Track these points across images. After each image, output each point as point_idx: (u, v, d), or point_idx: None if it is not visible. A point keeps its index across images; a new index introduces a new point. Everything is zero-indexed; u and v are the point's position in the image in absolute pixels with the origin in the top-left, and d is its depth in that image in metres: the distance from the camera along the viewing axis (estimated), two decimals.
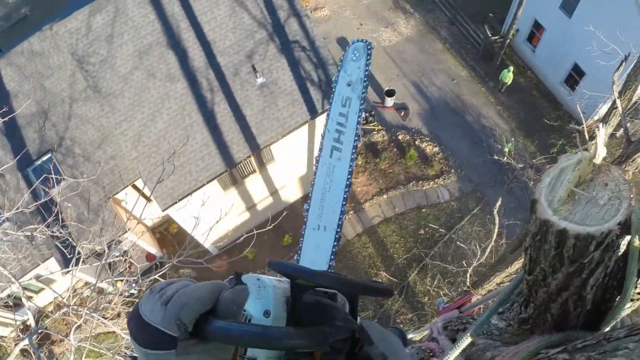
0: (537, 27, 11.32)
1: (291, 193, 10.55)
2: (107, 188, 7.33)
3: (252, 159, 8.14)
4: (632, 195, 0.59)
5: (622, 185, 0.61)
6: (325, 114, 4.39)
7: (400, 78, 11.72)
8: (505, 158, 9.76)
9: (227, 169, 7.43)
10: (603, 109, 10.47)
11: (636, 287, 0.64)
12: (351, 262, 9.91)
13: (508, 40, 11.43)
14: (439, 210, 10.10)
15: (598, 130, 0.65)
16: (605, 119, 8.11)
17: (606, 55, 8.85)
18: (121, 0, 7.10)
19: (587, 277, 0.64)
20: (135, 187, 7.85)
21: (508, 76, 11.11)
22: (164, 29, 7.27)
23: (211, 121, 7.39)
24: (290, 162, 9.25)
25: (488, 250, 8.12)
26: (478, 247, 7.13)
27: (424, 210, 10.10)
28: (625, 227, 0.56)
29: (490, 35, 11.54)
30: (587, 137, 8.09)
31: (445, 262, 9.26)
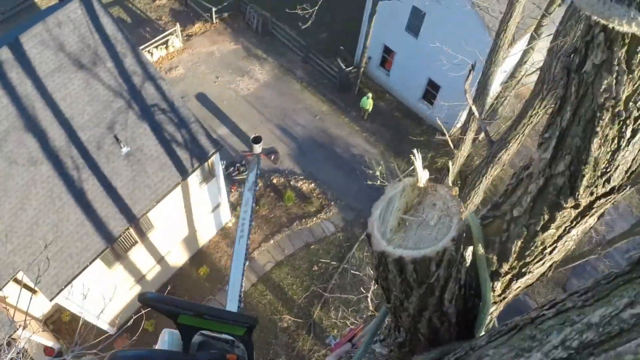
0: (388, 52, 26.64)
1: (178, 257, 22.07)
2: None
3: (131, 230, 18.18)
4: (461, 210, 1.61)
5: (450, 202, 1.62)
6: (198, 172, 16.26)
7: (264, 123, 25.95)
8: (379, 181, 25.25)
9: (108, 245, 16.49)
10: (463, 116, 24.87)
11: (494, 291, 1.89)
12: (252, 312, 21.20)
13: (362, 69, 26.56)
14: (327, 243, 23.17)
15: (414, 156, 1.69)
16: (465, 126, 25.07)
17: (456, 66, 23.29)
18: None
19: (440, 294, 1.67)
20: (16, 281, 15.49)
21: (368, 103, 25.75)
22: (19, 112, 15.91)
23: (83, 200, 16.36)
24: (170, 227, 20.14)
25: None
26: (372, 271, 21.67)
27: (312, 246, 23.04)
28: (465, 239, 1.62)
29: (344, 67, 26.58)
30: (451, 146, 24.50)
31: (345, 292, 21.26)
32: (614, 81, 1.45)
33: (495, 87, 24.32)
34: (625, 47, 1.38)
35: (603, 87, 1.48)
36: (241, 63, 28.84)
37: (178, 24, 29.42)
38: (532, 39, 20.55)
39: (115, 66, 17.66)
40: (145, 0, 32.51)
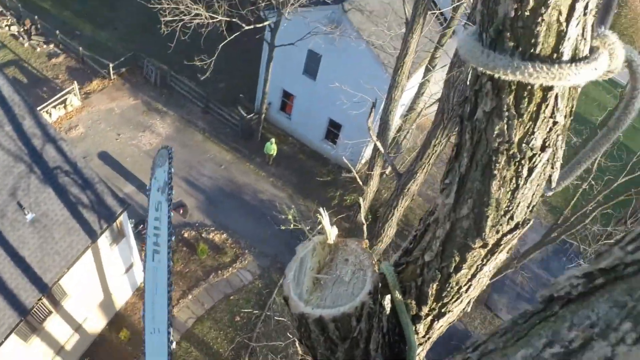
0: (287, 96, 27.45)
1: (96, 323, 21.26)
2: None
3: (44, 300, 17.29)
4: (374, 262, 1.82)
5: (362, 255, 1.87)
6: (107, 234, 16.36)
7: None
8: (292, 225, 25.86)
9: (21, 318, 15.73)
10: (367, 152, 26.04)
11: (417, 333, 1.98)
12: None
13: (263, 115, 26.96)
14: (247, 292, 23.08)
15: (320, 215, 1.97)
16: (371, 162, 26.18)
17: (356, 104, 25.14)
18: None
19: (365, 345, 1.79)
20: None
21: (272, 148, 26.11)
22: None
23: None
24: (84, 292, 19.45)
25: None
26: None
27: (232, 297, 22.84)
28: (382, 287, 1.77)
29: (245, 114, 26.95)
30: (360, 182, 25.38)
31: (271, 339, 21.25)
32: (506, 126, 1.53)
33: (395, 121, 25.49)
34: (513, 94, 1.47)
35: (495, 132, 1.56)
36: (141, 118, 28.68)
37: (75, 82, 28.97)
38: (428, 71, 21.67)
39: (13, 129, 17.36)
40: (41, 59, 31.71)
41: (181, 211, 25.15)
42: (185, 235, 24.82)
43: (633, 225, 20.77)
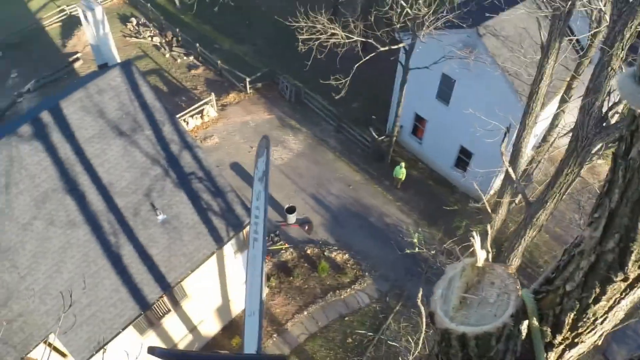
0: (419, 120, 27.67)
1: (211, 326, 22.32)
2: (19, 347, 15.04)
3: (165, 298, 18.46)
4: (518, 287, 1.92)
5: (508, 280, 1.98)
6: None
7: (298, 193, 26.85)
8: (417, 249, 25.35)
9: (141, 312, 16.79)
10: (496, 182, 25.88)
11: (548, 359, 2.06)
12: None
13: (394, 138, 27.35)
14: (362, 315, 23.23)
15: (473, 238, 2.07)
16: (502, 189, 25.49)
17: (488, 132, 24.39)
18: (14, 148, 16.19)
19: None
20: (47, 344, 15.71)
21: (401, 172, 26.45)
22: (59, 174, 16.67)
23: (118, 265, 16.83)
24: (204, 295, 20.52)
25: (420, 341, 21.07)
26: (411, 340, 16.63)
27: (347, 318, 23.11)
28: (521, 313, 1.85)
29: (376, 136, 27.51)
30: (489, 210, 24.68)
31: None
32: None
33: (528, 152, 24.87)
34: None
35: None
36: (275, 133, 29.93)
37: (213, 94, 30.98)
38: (563, 101, 21.00)
39: (153, 134, 18.54)
40: (181, 70, 34.37)
41: (306, 227, 25.91)
42: (308, 251, 25.47)
43: None
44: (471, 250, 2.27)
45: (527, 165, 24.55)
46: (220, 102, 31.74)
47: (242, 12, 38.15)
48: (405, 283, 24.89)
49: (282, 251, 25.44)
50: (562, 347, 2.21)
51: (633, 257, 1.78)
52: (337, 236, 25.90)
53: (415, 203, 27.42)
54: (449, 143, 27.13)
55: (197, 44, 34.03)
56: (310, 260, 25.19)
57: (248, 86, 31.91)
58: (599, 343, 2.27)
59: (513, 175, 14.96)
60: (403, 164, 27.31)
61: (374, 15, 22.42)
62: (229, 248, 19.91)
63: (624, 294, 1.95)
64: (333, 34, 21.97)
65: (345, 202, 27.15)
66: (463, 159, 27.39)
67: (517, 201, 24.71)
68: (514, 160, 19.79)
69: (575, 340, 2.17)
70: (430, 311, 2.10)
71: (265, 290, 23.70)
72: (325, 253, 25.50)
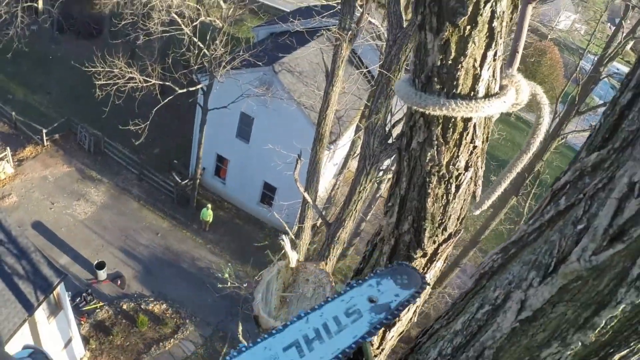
0: (221, 160, 28.29)
1: None
2: None
3: None
4: (331, 279, 2.47)
5: (320, 275, 2.49)
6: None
7: (106, 247, 25.93)
8: (229, 284, 26.35)
9: None
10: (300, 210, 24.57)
11: (372, 345, 2.28)
12: None
13: (197, 181, 27.50)
14: None
15: (283, 241, 2.55)
16: (302, 214, 26.94)
17: (289, 165, 27.02)
18: None
19: None
20: None
21: (208, 214, 26.70)
22: None
23: None
24: None
25: None
26: None
27: None
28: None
29: (179, 180, 27.61)
30: (293, 238, 25.45)
31: None
32: (435, 152, 1.82)
33: (329, 179, 26.43)
34: (440, 126, 1.77)
35: (428, 158, 1.85)
36: (76, 186, 28.84)
37: (8, 148, 28.92)
38: (358, 129, 22.68)
39: None
40: None
41: (119, 282, 25.24)
42: (124, 306, 24.78)
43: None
44: (282, 253, 2.56)
45: (330, 192, 25.92)
46: (17, 157, 29.76)
47: (37, 58, 36.29)
48: (227, 324, 25.17)
49: (97, 310, 24.55)
50: (381, 329, 2.27)
51: (427, 234, 2.06)
52: (151, 287, 25.55)
53: (226, 243, 27.97)
54: (253, 180, 28.11)
55: None
56: (128, 315, 24.59)
57: (45, 138, 30.29)
58: (414, 320, 2.46)
59: (308, 199, 15.94)
60: (209, 206, 27.74)
61: (172, 57, 22.79)
62: (41, 313, 18.98)
63: (425, 268, 2.21)
64: (131, 78, 21.97)
65: (155, 251, 26.94)
66: (268, 194, 28.47)
67: (318, 224, 26.06)
68: (311, 184, 21.04)
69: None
70: (255, 315, 2.29)
71: (87, 355, 22.90)
72: (142, 306, 24.98)
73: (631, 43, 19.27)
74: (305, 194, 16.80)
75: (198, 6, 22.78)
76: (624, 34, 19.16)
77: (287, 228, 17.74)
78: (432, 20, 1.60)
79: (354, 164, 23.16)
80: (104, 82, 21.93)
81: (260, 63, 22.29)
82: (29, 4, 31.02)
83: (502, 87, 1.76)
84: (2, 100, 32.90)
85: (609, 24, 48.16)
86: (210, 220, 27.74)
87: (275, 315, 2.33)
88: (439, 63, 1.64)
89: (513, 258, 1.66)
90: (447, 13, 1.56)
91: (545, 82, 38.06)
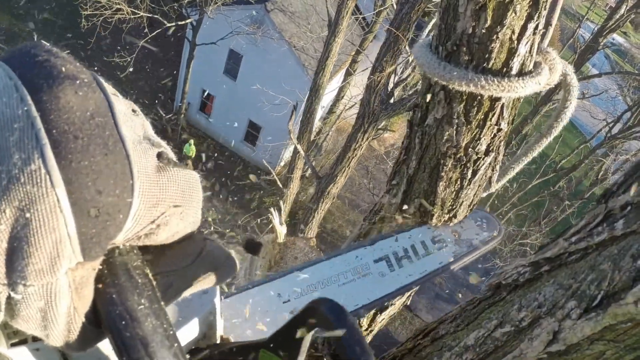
0: (207, 97, 27.97)
1: None
2: None
3: None
4: (322, 254, 3.03)
5: (310, 253, 2.81)
6: None
7: None
8: (212, 227, 26.28)
9: None
10: (287, 154, 27.12)
11: (361, 326, 2.28)
12: None
13: (182, 115, 27.33)
14: None
15: (272, 215, 3.09)
16: (291, 164, 26.88)
17: (276, 106, 26.98)
18: None
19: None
20: None
21: (190, 149, 26.41)
22: None
23: None
24: None
25: None
26: None
27: None
28: None
29: (164, 114, 26.94)
30: (280, 184, 25.95)
31: None
32: (455, 132, 1.66)
33: (316, 124, 26.18)
34: (464, 103, 1.60)
35: (445, 137, 1.69)
36: None
37: None
38: (348, 74, 22.32)
39: None
40: None
41: None
42: None
43: (546, 224, 22.13)
44: (270, 227, 2.38)
45: (315, 136, 25.70)
46: None
47: None
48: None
49: None
50: (372, 311, 2.29)
51: (434, 221, 1.95)
52: None
53: (208, 180, 27.77)
54: (238, 118, 27.70)
55: None
56: None
57: None
58: (407, 302, 2.42)
59: (301, 151, 15.76)
60: (192, 141, 27.37)
61: None
62: None
63: None
64: (118, 9, 21.30)
65: None
66: (252, 132, 28.32)
67: (307, 175, 25.94)
68: (302, 135, 20.81)
69: (385, 303, 2.23)
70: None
71: None
72: None
73: (632, 17, 18.97)
74: (299, 146, 16.68)
75: None
76: (628, 7, 18.78)
77: (274, 175, 17.63)
78: None
79: (347, 114, 22.86)
80: (91, 13, 21.20)
81: (252, 0, 21.67)
82: None
83: (535, 65, 1.56)
84: None
85: None
86: (193, 155, 27.46)
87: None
88: (470, 31, 1.43)
89: (545, 276, 1.45)
90: None
91: None
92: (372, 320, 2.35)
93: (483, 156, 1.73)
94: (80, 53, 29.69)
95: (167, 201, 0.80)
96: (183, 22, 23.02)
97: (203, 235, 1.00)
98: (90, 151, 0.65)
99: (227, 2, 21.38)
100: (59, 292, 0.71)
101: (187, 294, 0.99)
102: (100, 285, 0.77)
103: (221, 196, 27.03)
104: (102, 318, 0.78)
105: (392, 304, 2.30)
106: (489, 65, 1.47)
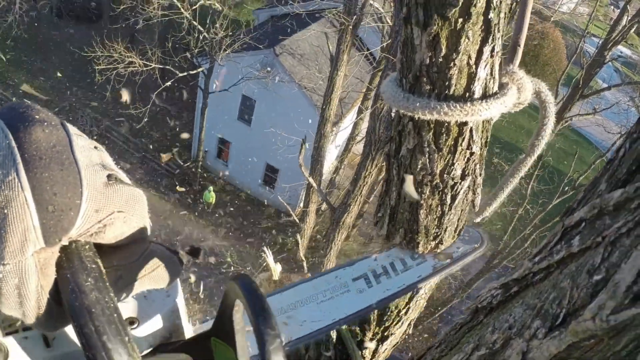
0: (223, 143, 28.31)
1: None
2: None
3: None
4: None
5: None
6: None
7: None
8: (232, 267, 26.22)
9: None
10: (305, 194, 25.14)
11: (364, 358, 2.21)
12: None
13: (200, 163, 27.63)
14: None
15: (265, 253, 2.98)
16: (306, 199, 26.77)
17: (291, 147, 26.53)
18: None
19: None
20: None
21: (210, 196, 26.63)
22: None
23: None
24: None
25: None
26: None
27: None
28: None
29: (182, 163, 27.63)
30: (297, 220, 25.70)
31: None
32: (427, 160, 1.67)
33: (331, 160, 26.23)
34: (432, 131, 1.61)
35: (419, 166, 1.70)
36: None
37: None
38: (360, 111, 22.44)
39: None
40: None
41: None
42: None
43: None
44: (265, 265, 2.40)
45: (332, 175, 25.74)
46: None
47: (36, 44, 35.76)
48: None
49: None
50: (374, 342, 2.28)
51: (420, 248, 1.95)
52: None
53: (229, 225, 27.84)
54: (255, 162, 27.89)
55: None
56: None
57: None
58: (409, 332, 2.40)
59: (313, 184, 15.81)
60: (211, 188, 27.57)
61: (172, 41, 22.51)
62: None
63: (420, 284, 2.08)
64: (131, 63, 21.72)
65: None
66: (270, 175, 28.39)
67: (322, 208, 25.96)
68: (314, 168, 20.85)
69: (385, 333, 2.26)
70: None
71: None
72: None
73: (635, 27, 18.90)
74: (310, 179, 16.65)
75: None
76: (629, 18, 18.73)
77: (290, 211, 17.51)
78: (418, 12, 1.40)
79: (357, 148, 22.93)
80: (104, 67, 21.62)
81: (261, 46, 22.06)
82: None
83: (501, 86, 1.58)
84: (3, 86, 32.44)
85: (612, 7, 47.57)
86: (213, 202, 27.65)
87: None
88: (427, 61, 1.46)
89: (515, 297, 1.48)
90: (436, 4, 1.35)
91: (548, 65, 37.65)
92: (375, 351, 2.35)
93: (460, 181, 1.73)
94: (96, 107, 30.24)
95: (111, 207, 1.06)
96: (195, 71, 23.43)
97: (149, 240, 1.25)
98: (50, 167, 0.94)
99: (236, 49, 21.62)
100: (29, 270, 0.98)
101: (139, 288, 1.22)
102: (60, 269, 1.02)
103: (243, 240, 27.12)
104: (62, 294, 1.02)
105: (392, 334, 2.30)
106: (451, 92, 1.48)
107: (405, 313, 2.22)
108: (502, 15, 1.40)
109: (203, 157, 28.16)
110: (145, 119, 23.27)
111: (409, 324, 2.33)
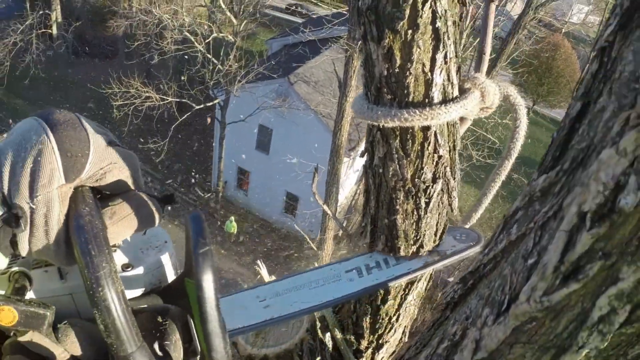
0: (243, 173, 28.44)
1: None
2: None
3: None
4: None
5: None
6: None
7: None
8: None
9: None
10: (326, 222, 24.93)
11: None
12: None
13: (220, 194, 27.86)
14: None
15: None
16: (323, 225, 26.52)
17: (310, 174, 27.68)
18: None
19: None
20: None
21: (232, 226, 26.66)
22: None
23: None
24: None
25: None
26: None
27: None
28: (324, 327, 2.12)
29: (202, 194, 27.78)
30: (313, 247, 25.63)
31: None
32: (398, 166, 1.73)
33: (350, 186, 26.20)
34: (398, 138, 1.67)
35: (391, 173, 1.75)
36: None
37: None
38: None
39: None
40: None
41: None
42: None
43: None
44: (258, 278, 2.41)
45: (352, 200, 25.69)
46: None
47: (54, 83, 36.45)
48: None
49: None
50: (370, 350, 2.31)
51: (402, 253, 1.99)
52: None
53: (253, 255, 27.88)
54: (275, 191, 27.92)
55: (10, 120, 31.94)
56: None
57: None
58: (405, 339, 2.41)
59: (328, 211, 15.71)
60: (233, 218, 27.63)
61: (187, 74, 22.82)
62: None
63: (406, 289, 2.15)
64: (147, 97, 22.05)
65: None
66: (291, 203, 28.36)
67: (340, 234, 25.93)
68: (330, 195, 20.76)
69: (380, 341, 2.29)
70: (233, 341, 2.26)
71: None
72: None
73: None
74: (325, 207, 16.52)
75: (209, 23, 22.70)
76: None
77: (308, 240, 17.45)
78: (372, 28, 1.50)
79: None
80: (122, 103, 21.98)
81: (275, 75, 22.29)
82: (43, 30, 31.17)
83: (464, 91, 1.65)
84: None
85: None
86: (235, 232, 27.68)
87: (252, 342, 2.29)
88: (385, 72, 1.54)
89: (472, 290, 1.57)
90: (385, 19, 1.44)
91: (562, 77, 37.56)
92: (372, 359, 2.38)
93: (431, 184, 1.79)
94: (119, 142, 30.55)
95: (109, 159, 1.47)
96: (211, 103, 23.74)
97: (136, 190, 1.63)
98: (67, 129, 1.38)
99: (251, 79, 21.86)
100: (54, 200, 1.36)
101: (126, 228, 1.60)
102: (71, 202, 1.41)
103: (267, 269, 27.06)
104: (69, 219, 1.40)
105: (387, 342, 2.32)
106: (410, 99, 1.55)
107: (397, 320, 2.24)
108: (449, 23, 1.47)
109: (223, 187, 28.28)
110: (164, 152, 23.47)
111: (403, 332, 2.35)
